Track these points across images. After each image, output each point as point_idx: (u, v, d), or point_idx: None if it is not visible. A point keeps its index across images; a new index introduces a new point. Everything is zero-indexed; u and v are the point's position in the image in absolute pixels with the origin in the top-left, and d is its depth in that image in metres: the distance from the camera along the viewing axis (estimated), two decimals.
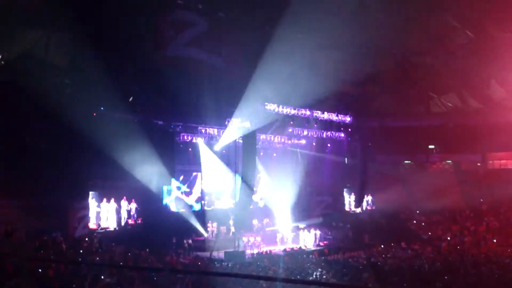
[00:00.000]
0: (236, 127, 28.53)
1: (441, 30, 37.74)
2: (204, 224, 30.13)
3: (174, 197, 30.53)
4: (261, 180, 34.98)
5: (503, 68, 36.05)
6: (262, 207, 35.48)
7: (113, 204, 27.07)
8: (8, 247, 16.58)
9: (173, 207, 30.20)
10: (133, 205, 28.10)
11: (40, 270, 13.11)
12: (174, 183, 30.26)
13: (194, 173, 32.04)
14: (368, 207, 40.71)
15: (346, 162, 37.49)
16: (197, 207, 31.86)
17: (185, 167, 31.26)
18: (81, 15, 25.41)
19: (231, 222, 30.30)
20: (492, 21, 36.61)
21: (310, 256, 27.91)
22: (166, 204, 29.83)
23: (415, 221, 37.12)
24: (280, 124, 31.31)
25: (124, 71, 27.66)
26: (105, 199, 26.71)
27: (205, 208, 32.22)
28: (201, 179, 32.55)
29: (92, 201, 26.11)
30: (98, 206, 26.41)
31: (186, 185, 31.47)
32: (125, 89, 27.77)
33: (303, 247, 29.96)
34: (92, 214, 26.00)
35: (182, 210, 30.53)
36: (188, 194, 31.55)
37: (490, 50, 36.39)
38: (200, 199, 32.15)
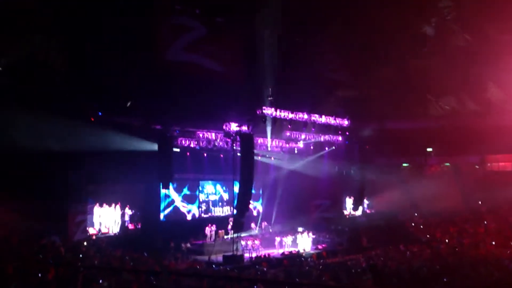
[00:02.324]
0: (234, 132, 28.52)
1: (440, 32, 37.87)
2: (202, 228, 30.15)
3: (172, 205, 30.66)
4: (259, 184, 35.04)
5: (502, 70, 36.07)
6: (260, 211, 35.59)
7: (112, 209, 27.13)
8: (7, 250, 16.60)
9: (169, 217, 30.50)
10: (133, 210, 28.12)
11: (39, 275, 13.12)
12: (172, 189, 30.27)
13: (192, 180, 32.17)
14: (367, 210, 40.77)
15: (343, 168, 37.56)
16: (195, 213, 31.98)
17: (183, 174, 31.29)
18: (80, 19, 25.49)
19: (229, 226, 30.33)
20: (491, 23, 36.70)
21: (309, 259, 27.94)
22: (163, 219, 30.12)
23: (413, 224, 37.12)
24: (278, 128, 31.29)
25: (122, 75, 27.70)
26: (105, 204, 26.77)
27: (203, 215, 32.34)
28: (199, 185, 32.68)
29: (92, 206, 26.16)
30: (98, 211, 26.46)
31: (183, 191, 31.54)
32: (124, 94, 27.82)
33: (301, 251, 29.96)
34: (92, 218, 26.05)
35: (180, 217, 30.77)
36: (186, 200, 31.62)
37: (489, 53, 36.43)
38: (198, 206, 32.27)
